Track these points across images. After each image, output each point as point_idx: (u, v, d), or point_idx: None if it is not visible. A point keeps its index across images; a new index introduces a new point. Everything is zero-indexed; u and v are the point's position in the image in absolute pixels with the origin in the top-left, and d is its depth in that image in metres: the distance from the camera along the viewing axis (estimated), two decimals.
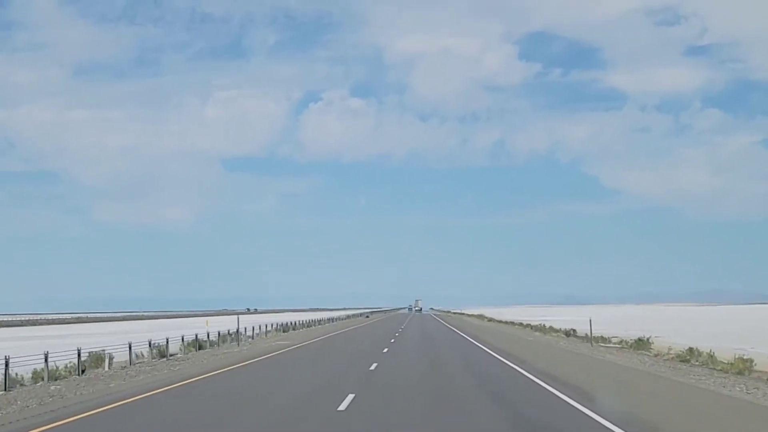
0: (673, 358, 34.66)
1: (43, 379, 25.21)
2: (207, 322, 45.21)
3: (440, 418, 15.71)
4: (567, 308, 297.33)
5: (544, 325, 76.14)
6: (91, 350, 31.35)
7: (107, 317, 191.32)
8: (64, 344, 44.74)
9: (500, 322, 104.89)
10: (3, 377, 22.67)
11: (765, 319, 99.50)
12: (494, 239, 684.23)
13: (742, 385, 21.44)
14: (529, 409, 16.95)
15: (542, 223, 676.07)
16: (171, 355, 36.40)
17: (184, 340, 39.78)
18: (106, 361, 30.07)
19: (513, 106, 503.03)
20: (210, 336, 44.35)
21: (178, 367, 29.34)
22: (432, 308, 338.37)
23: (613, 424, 14.50)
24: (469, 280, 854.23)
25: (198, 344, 42.09)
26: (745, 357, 27.64)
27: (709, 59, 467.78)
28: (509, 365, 28.25)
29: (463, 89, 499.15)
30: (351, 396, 18.67)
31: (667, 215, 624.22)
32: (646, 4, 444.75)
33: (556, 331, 66.46)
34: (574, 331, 62.25)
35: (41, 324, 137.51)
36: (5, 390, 22.25)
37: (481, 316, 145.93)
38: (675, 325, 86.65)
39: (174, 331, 50.49)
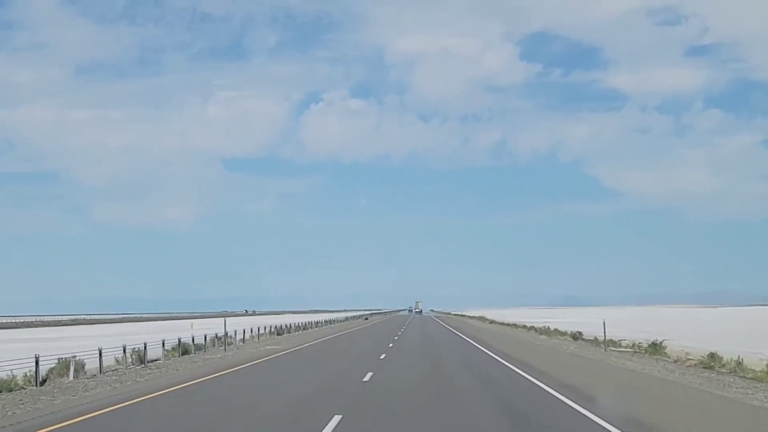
0: (695, 364, 32.02)
1: None
2: (192, 325, 42.40)
3: None
4: (568, 310, 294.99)
5: (548, 327, 73.38)
6: (63, 356, 28.53)
7: (105, 319, 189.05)
8: (48, 348, 42.52)
9: (502, 324, 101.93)
10: None
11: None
12: (495, 240, 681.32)
13: None
14: None
15: (543, 224, 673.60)
16: (151, 361, 33.77)
17: (167, 345, 37.04)
18: (71, 369, 27.19)
19: (514, 106, 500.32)
20: (196, 340, 41.72)
21: (146, 378, 26.17)
22: (432, 310, 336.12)
23: None
24: (470, 281, 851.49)
25: (183, 349, 39.48)
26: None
27: (709, 59, 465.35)
28: (525, 377, 24.84)
29: (464, 89, 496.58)
30: (337, 419, 15.44)
31: (668, 216, 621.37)
32: (646, 4, 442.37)
33: (562, 334, 63.65)
34: (580, 333, 59.70)
35: (36, 326, 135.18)
36: None
37: (482, 318, 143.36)
38: (680, 327, 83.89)
39: (170, 334, 47.95)
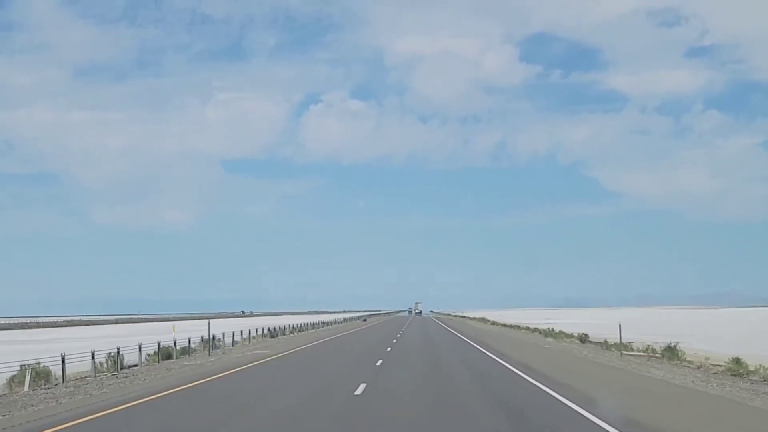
0: (723, 371, 29.10)
1: None
2: (173, 328, 39.37)
3: None
4: (567, 311, 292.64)
5: (552, 329, 70.43)
6: (28, 362, 25.64)
7: (102, 320, 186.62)
8: (29, 351, 40.20)
9: (504, 326, 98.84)
10: None
11: None
12: (494, 241, 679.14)
13: None
14: None
15: (542, 225, 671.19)
16: (129, 367, 31.17)
17: (150, 348, 34.34)
18: (27, 379, 24.10)
19: (514, 107, 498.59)
20: (183, 344, 38.86)
21: (105, 390, 22.80)
22: (432, 311, 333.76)
23: None
24: (469, 282, 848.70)
25: (167, 353, 36.63)
26: None
27: (709, 61, 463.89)
28: (546, 391, 21.21)
29: (464, 91, 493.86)
30: None
31: (668, 217, 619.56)
32: (646, 5, 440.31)
33: (569, 336, 60.62)
34: (586, 336, 56.83)
35: (31, 327, 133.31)
36: None
37: (483, 320, 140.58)
38: (687, 329, 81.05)
39: (165, 335, 45.51)
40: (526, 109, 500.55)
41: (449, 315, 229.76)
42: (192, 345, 40.93)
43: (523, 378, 24.75)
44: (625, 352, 43.40)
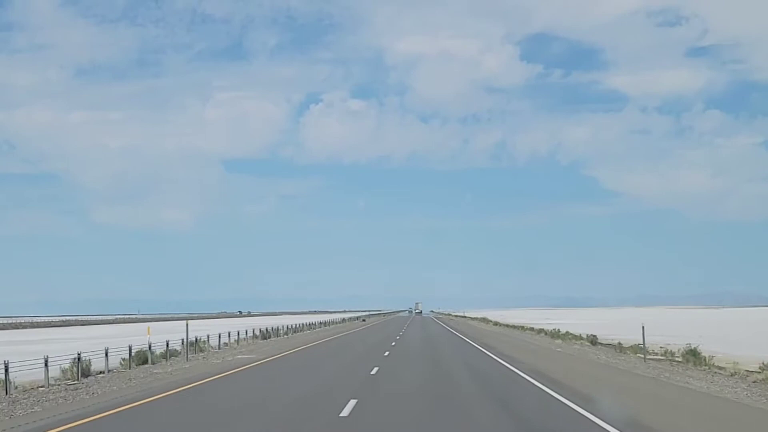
0: (763, 379, 25.59)
1: None
2: (148, 329, 35.77)
3: None
4: (568, 311, 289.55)
5: (558, 330, 66.84)
6: None
7: (99, 320, 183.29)
8: (13, 352, 36.83)
9: (507, 326, 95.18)
10: None
11: None
12: (494, 241, 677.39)
13: None
14: None
15: (542, 225, 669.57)
16: (99, 373, 27.99)
17: (125, 352, 31.21)
18: None
19: (514, 107, 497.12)
20: (163, 346, 35.54)
21: (38, 408, 18.81)
22: (432, 311, 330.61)
23: None
24: (469, 282, 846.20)
25: (144, 357, 33.22)
26: None
27: (710, 60, 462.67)
28: (576, 411, 17.15)
29: (464, 91, 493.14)
30: None
31: (668, 217, 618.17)
32: (647, 5, 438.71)
33: (577, 338, 57.04)
34: (596, 337, 53.34)
35: (25, 327, 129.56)
36: None
37: (484, 320, 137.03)
38: (693, 329, 77.52)
39: (160, 336, 42.59)
40: (526, 108, 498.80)
41: (449, 315, 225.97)
42: (176, 348, 37.99)
43: (546, 392, 20.74)
44: (645, 357, 40.11)
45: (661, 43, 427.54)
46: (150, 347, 33.21)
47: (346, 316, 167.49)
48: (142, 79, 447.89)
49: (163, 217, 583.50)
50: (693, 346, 37.04)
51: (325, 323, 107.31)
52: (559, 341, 54.88)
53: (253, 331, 60.69)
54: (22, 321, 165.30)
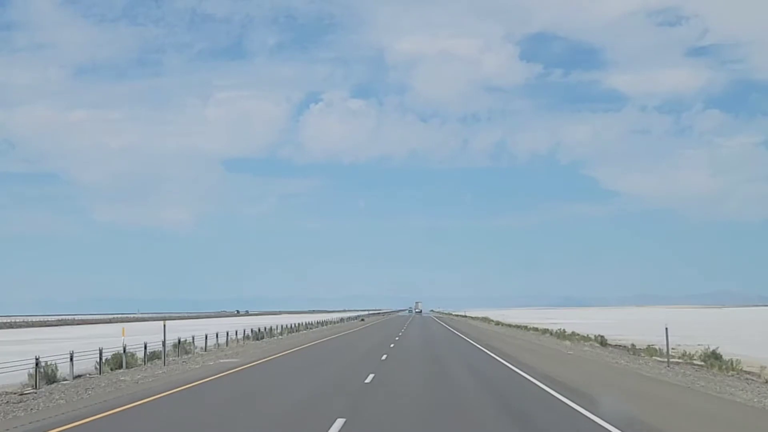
0: None
1: None
2: (123, 330, 33.08)
3: None
4: (568, 310, 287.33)
5: (563, 330, 64.13)
6: None
7: (95, 319, 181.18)
8: None
9: (511, 326, 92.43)
10: None
11: None
12: (494, 241, 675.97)
13: None
14: None
15: (542, 225, 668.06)
16: (64, 381, 25.36)
17: (106, 354, 28.63)
18: None
19: (514, 106, 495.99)
20: (149, 349, 33.36)
21: None
22: (432, 310, 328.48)
23: None
24: (469, 281, 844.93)
25: (119, 361, 30.59)
26: None
27: (709, 60, 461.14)
28: None
29: (464, 90, 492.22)
30: None
31: (667, 216, 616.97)
32: (647, 5, 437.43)
33: (585, 338, 54.33)
34: (604, 338, 50.74)
35: (21, 326, 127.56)
36: None
37: (486, 319, 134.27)
38: (698, 329, 75.04)
39: (153, 336, 40.71)
40: (526, 108, 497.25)
41: (450, 314, 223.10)
42: (162, 349, 35.24)
43: (572, 408, 17.27)
44: (667, 360, 37.54)
45: (661, 43, 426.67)
46: (125, 350, 30.40)
47: (345, 315, 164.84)
48: (142, 78, 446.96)
49: (162, 217, 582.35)
50: (712, 349, 34.68)
51: (322, 323, 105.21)
52: (567, 343, 52.06)
53: (244, 331, 57.85)
54: (17, 320, 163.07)
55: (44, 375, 25.31)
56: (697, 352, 36.58)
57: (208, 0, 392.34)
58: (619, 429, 14.09)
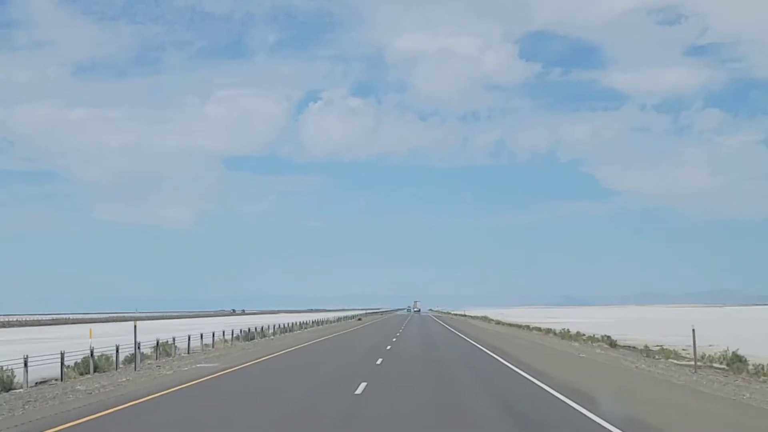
0: None
1: None
2: (90, 332, 30.48)
3: None
4: (568, 309, 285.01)
5: (567, 330, 61.44)
6: None
7: (91, 318, 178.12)
8: None
9: (512, 326, 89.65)
10: None
11: None
12: (494, 239, 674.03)
13: None
14: None
15: (541, 223, 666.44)
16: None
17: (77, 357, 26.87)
18: None
19: (513, 105, 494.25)
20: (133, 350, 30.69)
21: None
22: (431, 309, 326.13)
23: None
24: (468, 280, 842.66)
25: (94, 364, 28.21)
26: None
27: (709, 59, 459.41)
28: None
29: (464, 88, 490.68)
30: None
31: (667, 215, 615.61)
32: (646, 3, 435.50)
33: (593, 339, 51.57)
34: (613, 339, 48.10)
35: (13, 326, 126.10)
36: None
37: (486, 319, 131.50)
38: (703, 329, 72.16)
39: (149, 335, 39.23)
40: (525, 106, 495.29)
41: (449, 313, 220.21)
42: (146, 351, 33.78)
43: (601, 426, 14.09)
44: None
45: (660, 42, 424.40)
46: (92, 353, 27.55)
47: (342, 314, 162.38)
48: (141, 76, 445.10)
49: (162, 215, 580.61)
50: (732, 351, 32.13)
51: (318, 322, 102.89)
52: (576, 344, 49.11)
53: (232, 332, 54.98)
54: (11, 320, 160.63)
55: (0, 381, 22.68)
56: (715, 354, 34.00)
57: None
58: None
